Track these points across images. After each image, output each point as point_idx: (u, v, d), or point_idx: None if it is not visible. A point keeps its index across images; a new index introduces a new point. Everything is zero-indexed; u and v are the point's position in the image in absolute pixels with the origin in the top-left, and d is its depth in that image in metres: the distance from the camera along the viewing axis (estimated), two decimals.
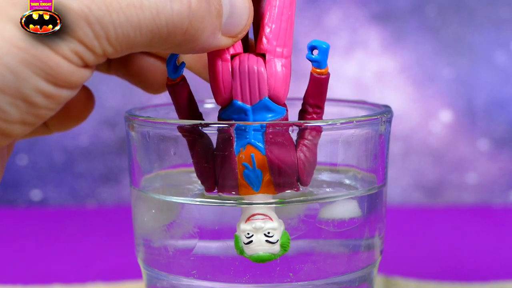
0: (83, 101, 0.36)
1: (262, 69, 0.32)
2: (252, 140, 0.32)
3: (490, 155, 0.77)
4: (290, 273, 0.33)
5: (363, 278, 0.36)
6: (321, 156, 0.33)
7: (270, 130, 0.32)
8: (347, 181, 0.36)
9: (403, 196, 0.77)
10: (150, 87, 0.38)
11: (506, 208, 0.76)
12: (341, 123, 0.33)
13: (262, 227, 0.32)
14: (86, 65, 0.28)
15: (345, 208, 0.34)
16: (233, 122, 0.32)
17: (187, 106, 0.34)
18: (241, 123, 0.32)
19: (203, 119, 0.35)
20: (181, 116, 0.35)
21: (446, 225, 0.69)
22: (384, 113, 0.35)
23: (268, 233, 0.32)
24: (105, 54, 0.28)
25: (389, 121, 0.36)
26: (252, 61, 0.32)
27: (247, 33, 0.33)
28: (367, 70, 0.77)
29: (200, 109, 0.35)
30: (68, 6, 0.27)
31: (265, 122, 0.32)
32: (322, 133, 0.33)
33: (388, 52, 0.77)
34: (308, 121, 0.33)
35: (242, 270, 0.33)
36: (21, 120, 0.28)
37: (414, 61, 0.77)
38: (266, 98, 0.32)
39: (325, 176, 0.35)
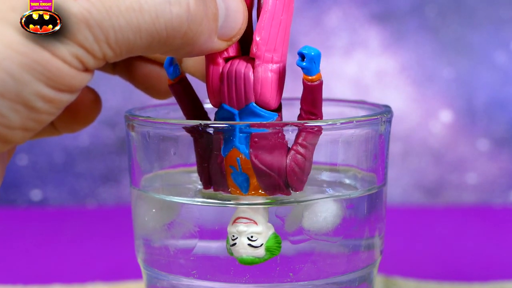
0: (91, 103, 0.36)
1: (250, 73, 0.32)
2: (237, 144, 0.32)
3: (490, 155, 0.77)
4: (290, 273, 0.33)
5: (363, 278, 0.36)
6: (321, 156, 0.33)
7: (255, 133, 0.31)
8: (347, 181, 0.36)
9: (403, 196, 0.77)
10: (156, 93, 0.38)
11: (506, 208, 0.76)
12: (341, 123, 0.33)
13: (245, 230, 0.32)
14: (86, 69, 0.28)
15: (328, 213, 0.33)
16: (220, 122, 0.32)
17: (188, 105, 0.35)
18: (225, 123, 0.32)
19: (208, 117, 0.35)
20: (186, 115, 0.35)
21: (446, 225, 0.69)
22: (384, 113, 0.35)
23: (252, 237, 0.32)
24: (105, 57, 0.28)
25: (389, 121, 0.36)
26: (240, 66, 0.32)
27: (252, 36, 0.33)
28: (367, 70, 0.77)
29: None
30: (68, 10, 0.27)
31: (250, 122, 0.32)
32: (322, 133, 0.33)
33: (388, 52, 0.77)
34: (302, 121, 0.32)
35: (242, 270, 0.33)
36: (22, 126, 0.28)
37: (414, 61, 0.77)
38: (252, 103, 0.32)
39: (325, 176, 0.35)
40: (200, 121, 0.32)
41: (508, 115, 0.77)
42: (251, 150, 0.32)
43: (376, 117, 0.35)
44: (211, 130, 0.32)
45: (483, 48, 0.76)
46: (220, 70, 0.32)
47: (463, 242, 0.63)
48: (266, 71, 0.32)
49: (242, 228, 0.32)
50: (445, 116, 0.77)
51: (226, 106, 0.32)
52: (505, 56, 0.76)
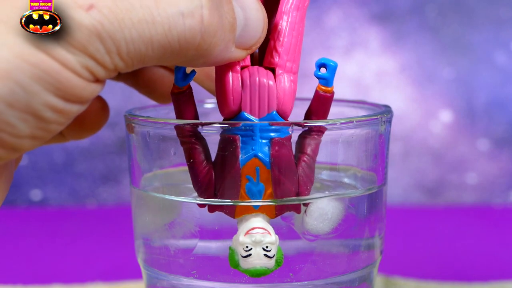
0: (98, 111, 0.36)
1: (272, 82, 0.32)
2: (259, 154, 0.32)
3: (490, 155, 0.77)
4: (290, 273, 0.33)
5: (363, 278, 0.36)
6: (321, 156, 0.33)
7: (276, 141, 0.31)
8: (347, 181, 0.36)
9: (403, 196, 0.77)
10: (159, 97, 0.38)
11: (506, 208, 0.76)
12: (341, 123, 0.33)
13: (262, 240, 0.32)
14: (96, 80, 0.28)
15: (331, 211, 0.33)
16: (240, 122, 0.32)
17: (190, 116, 0.34)
18: (249, 122, 0.32)
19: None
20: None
21: (446, 225, 0.69)
22: (384, 113, 0.35)
23: (267, 247, 0.32)
24: (116, 69, 0.28)
25: (389, 121, 0.36)
26: (262, 74, 0.32)
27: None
28: (367, 70, 0.77)
29: (200, 109, 0.35)
30: (80, 21, 0.26)
31: (271, 122, 0.32)
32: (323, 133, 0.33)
33: (388, 52, 0.77)
34: (311, 121, 0.33)
35: None
36: (31, 135, 0.27)
37: (414, 61, 0.77)
38: (274, 112, 0.32)
39: (325, 176, 0.35)
40: (201, 121, 0.32)
41: (508, 115, 0.77)
42: (272, 159, 0.32)
43: (376, 117, 0.35)
44: (232, 134, 0.32)
45: (483, 48, 0.77)
46: (240, 79, 0.32)
47: (463, 242, 0.63)
48: (289, 81, 0.32)
49: (260, 238, 0.31)
50: (445, 116, 0.77)
51: (246, 115, 0.32)
52: (505, 56, 0.76)
